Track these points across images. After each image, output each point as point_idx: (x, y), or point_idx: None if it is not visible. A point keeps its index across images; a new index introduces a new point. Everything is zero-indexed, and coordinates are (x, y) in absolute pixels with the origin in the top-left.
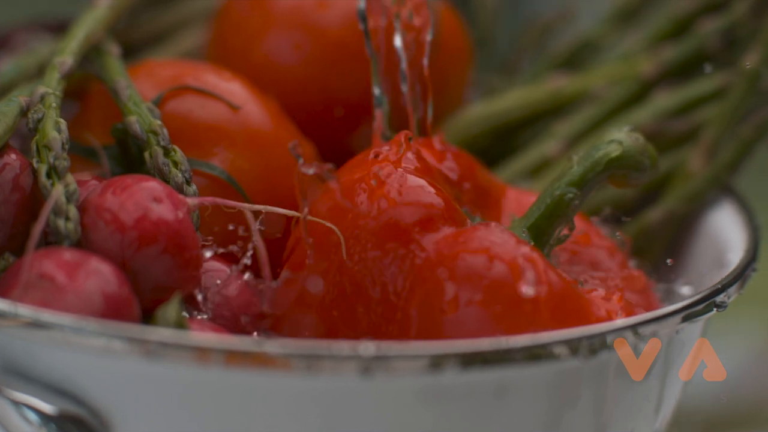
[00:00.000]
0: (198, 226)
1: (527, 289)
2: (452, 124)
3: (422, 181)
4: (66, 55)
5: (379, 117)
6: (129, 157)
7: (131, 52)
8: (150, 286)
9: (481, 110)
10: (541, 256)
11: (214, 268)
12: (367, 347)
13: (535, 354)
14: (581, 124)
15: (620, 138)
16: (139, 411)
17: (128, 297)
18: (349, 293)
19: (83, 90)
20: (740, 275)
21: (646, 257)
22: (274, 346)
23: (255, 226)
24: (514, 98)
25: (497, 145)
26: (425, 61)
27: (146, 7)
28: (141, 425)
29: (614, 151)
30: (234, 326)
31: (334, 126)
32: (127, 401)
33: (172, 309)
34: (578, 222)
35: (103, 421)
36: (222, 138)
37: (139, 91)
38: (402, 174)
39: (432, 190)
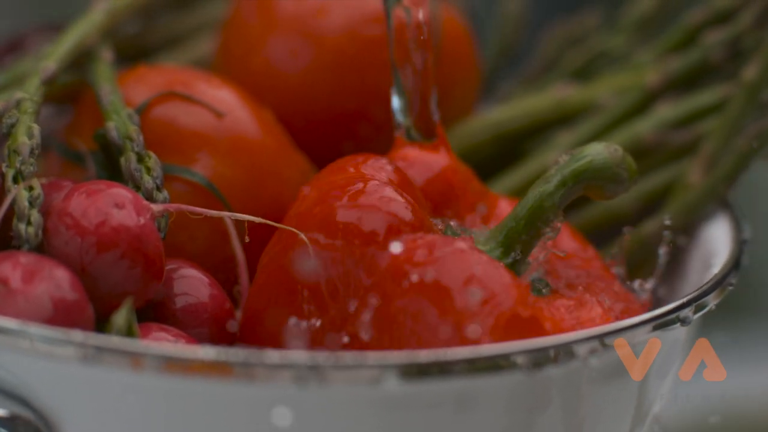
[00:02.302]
0: (166, 232)
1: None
2: (457, 130)
3: (391, 192)
4: (50, 60)
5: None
6: (113, 162)
7: (147, 55)
8: (109, 291)
9: (485, 118)
10: (497, 269)
11: (188, 275)
12: (300, 356)
13: (477, 366)
14: (584, 135)
15: (597, 150)
16: (82, 414)
17: (80, 302)
18: (308, 299)
19: (78, 95)
20: (705, 293)
21: (644, 268)
22: (207, 353)
23: (234, 232)
24: (519, 107)
25: (503, 153)
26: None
27: (165, 11)
28: (85, 428)
29: (588, 162)
30: (208, 333)
31: (330, 133)
32: (72, 404)
33: (120, 316)
34: (566, 233)
35: (49, 423)
36: (204, 144)
37: (128, 97)
38: (371, 184)
39: (399, 200)
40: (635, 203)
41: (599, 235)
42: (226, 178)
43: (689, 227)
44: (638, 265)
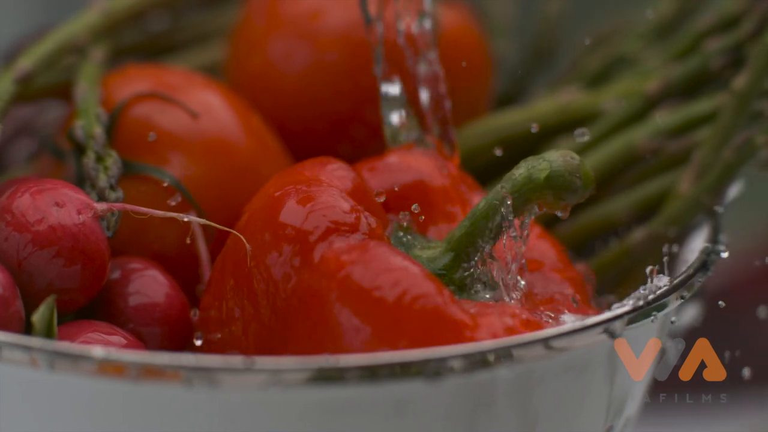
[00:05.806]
0: (114, 231)
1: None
2: (462, 133)
3: (334, 196)
4: (26, 59)
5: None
6: None
7: (172, 52)
8: (45, 288)
9: (490, 121)
10: (422, 274)
11: (144, 274)
12: (189, 359)
13: (373, 372)
14: (583, 140)
15: (552, 157)
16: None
17: (5, 299)
18: (249, 305)
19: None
20: (640, 308)
21: (632, 278)
22: (97, 352)
23: (199, 232)
24: (524, 111)
25: (508, 157)
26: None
27: (191, 10)
28: (5, 425)
29: (540, 171)
30: (160, 333)
31: (327, 135)
32: None
33: (37, 314)
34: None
35: None
36: (178, 145)
37: (113, 96)
38: (315, 188)
39: (339, 204)
40: (629, 210)
41: (593, 242)
42: (199, 178)
43: (677, 237)
44: (625, 273)
